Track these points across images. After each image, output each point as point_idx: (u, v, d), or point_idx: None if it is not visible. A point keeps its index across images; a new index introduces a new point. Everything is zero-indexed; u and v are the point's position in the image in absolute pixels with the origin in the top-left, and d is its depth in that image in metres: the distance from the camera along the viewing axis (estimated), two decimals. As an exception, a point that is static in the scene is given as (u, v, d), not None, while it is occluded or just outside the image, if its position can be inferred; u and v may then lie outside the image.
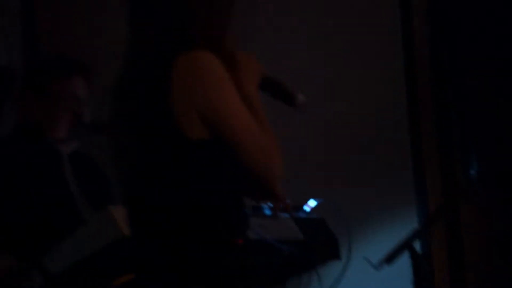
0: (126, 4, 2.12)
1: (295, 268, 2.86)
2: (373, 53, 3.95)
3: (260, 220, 2.76)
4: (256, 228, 2.70)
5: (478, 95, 3.95)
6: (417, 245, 3.02)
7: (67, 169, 3.05)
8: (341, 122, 3.94)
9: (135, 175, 2.10)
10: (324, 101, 3.87)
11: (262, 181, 2.05)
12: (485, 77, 3.94)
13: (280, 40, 3.95)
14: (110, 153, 2.14)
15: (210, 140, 2.03)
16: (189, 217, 2.04)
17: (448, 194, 3.88)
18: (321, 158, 3.93)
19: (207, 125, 2.02)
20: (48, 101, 3.04)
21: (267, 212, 2.83)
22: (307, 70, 3.91)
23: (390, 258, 2.94)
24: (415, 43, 3.97)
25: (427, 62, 3.98)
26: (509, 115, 3.88)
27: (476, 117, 3.94)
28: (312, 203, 2.93)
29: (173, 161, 2.04)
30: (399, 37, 3.97)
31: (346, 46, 3.98)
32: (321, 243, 2.90)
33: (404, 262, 2.94)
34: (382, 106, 3.96)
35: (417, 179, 3.91)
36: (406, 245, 2.93)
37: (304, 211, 2.92)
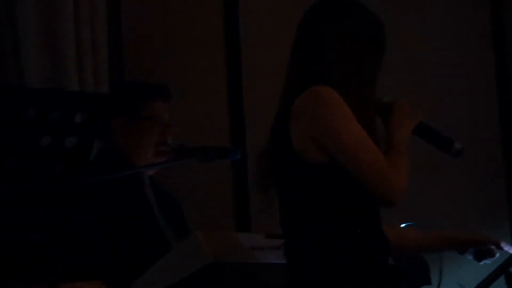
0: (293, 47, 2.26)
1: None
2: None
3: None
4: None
5: None
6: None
7: (149, 193, 3.07)
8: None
9: (282, 202, 2.24)
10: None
11: (381, 202, 2.16)
12: None
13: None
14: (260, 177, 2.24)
15: (329, 163, 2.14)
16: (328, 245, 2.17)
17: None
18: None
19: (322, 150, 2.13)
20: (136, 125, 3.07)
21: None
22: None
23: (485, 284, 2.85)
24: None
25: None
26: None
27: None
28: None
29: (299, 184, 2.17)
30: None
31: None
32: (411, 268, 2.84)
33: (499, 288, 2.85)
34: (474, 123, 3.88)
35: (511, 203, 3.81)
36: (502, 271, 2.83)
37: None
